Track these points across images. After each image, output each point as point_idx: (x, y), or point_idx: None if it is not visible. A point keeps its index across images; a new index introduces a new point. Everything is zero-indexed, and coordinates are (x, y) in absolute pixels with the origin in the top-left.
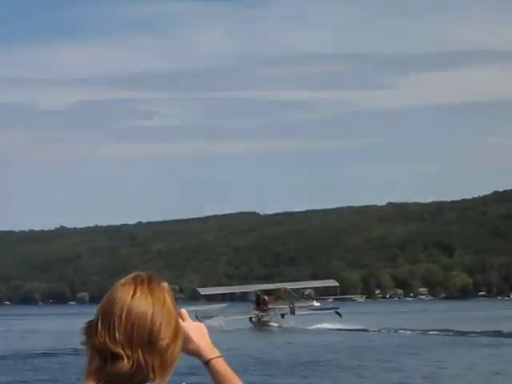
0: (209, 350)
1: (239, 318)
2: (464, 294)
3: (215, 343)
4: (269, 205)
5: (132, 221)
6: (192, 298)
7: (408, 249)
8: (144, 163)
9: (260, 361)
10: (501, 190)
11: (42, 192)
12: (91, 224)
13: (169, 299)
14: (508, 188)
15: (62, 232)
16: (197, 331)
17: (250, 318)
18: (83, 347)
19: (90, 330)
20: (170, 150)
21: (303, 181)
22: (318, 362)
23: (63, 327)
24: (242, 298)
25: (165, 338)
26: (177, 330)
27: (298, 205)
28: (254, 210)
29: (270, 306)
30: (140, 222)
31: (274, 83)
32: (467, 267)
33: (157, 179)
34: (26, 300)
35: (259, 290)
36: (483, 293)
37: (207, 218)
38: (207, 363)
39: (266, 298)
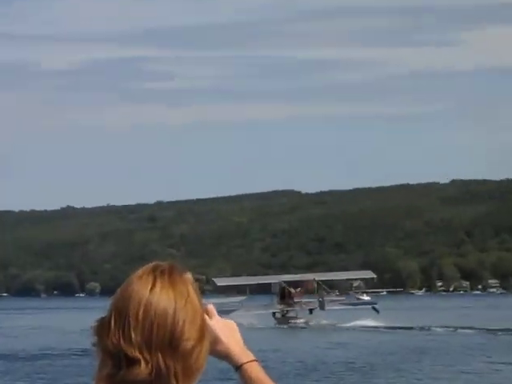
0: (241, 352)
1: (261, 312)
2: None
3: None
4: (311, 182)
5: (150, 200)
6: (219, 290)
7: (476, 234)
8: (163, 132)
9: (298, 365)
10: None
11: (45, 165)
12: (103, 203)
13: (193, 293)
14: None
15: (68, 212)
16: (227, 330)
17: (274, 314)
18: (93, 349)
19: (102, 329)
20: (193, 117)
21: (351, 153)
22: (368, 365)
23: (70, 324)
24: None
25: (189, 338)
26: (203, 330)
27: (346, 182)
28: (293, 188)
29: (296, 300)
30: (160, 202)
31: (316, 39)
32: None
33: (179, 151)
34: (27, 291)
35: (284, 282)
36: None
37: (239, 196)
38: (239, 368)
39: (293, 290)
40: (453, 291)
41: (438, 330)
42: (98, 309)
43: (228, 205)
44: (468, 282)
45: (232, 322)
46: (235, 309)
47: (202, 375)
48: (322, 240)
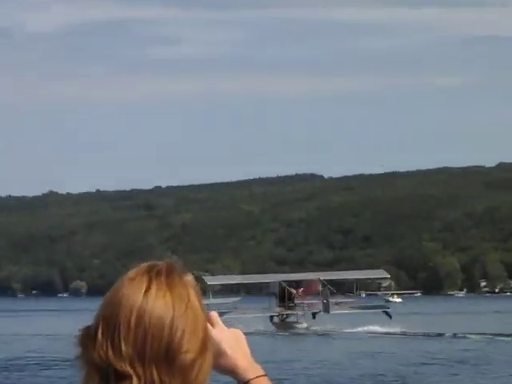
0: (248, 366)
1: (257, 315)
2: None
3: None
4: (335, 165)
5: (147, 185)
6: (229, 289)
7: None
8: (163, 106)
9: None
10: None
11: (24, 145)
12: (91, 189)
13: (194, 298)
14: None
15: (51, 199)
16: (232, 341)
17: (271, 317)
18: (77, 361)
19: (88, 339)
20: (198, 89)
21: (381, 132)
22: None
23: (51, 329)
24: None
25: (189, 351)
26: (205, 341)
27: (375, 165)
28: (314, 172)
29: (297, 302)
30: (158, 187)
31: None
32: None
33: (181, 129)
34: (1, 290)
35: (284, 281)
36: None
37: (249, 181)
38: None
39: (294, 291)
40: (498, 292)
41: (473, 337)
42: (85, 312)
43: (236, 191)
44: None
45: (238, 330)
46: (226, 311)
47: None
48: (347, 232)
